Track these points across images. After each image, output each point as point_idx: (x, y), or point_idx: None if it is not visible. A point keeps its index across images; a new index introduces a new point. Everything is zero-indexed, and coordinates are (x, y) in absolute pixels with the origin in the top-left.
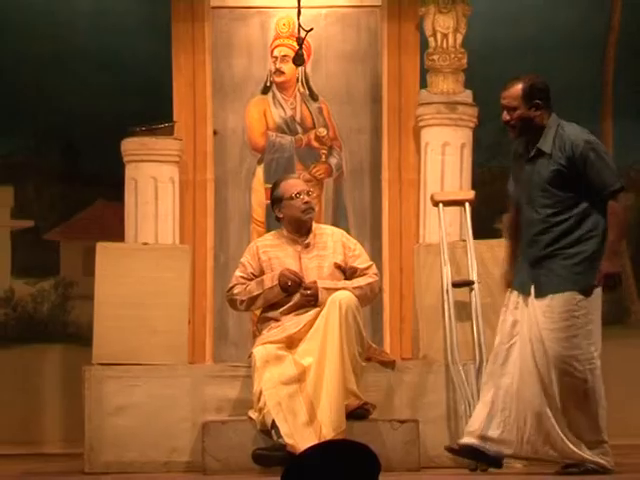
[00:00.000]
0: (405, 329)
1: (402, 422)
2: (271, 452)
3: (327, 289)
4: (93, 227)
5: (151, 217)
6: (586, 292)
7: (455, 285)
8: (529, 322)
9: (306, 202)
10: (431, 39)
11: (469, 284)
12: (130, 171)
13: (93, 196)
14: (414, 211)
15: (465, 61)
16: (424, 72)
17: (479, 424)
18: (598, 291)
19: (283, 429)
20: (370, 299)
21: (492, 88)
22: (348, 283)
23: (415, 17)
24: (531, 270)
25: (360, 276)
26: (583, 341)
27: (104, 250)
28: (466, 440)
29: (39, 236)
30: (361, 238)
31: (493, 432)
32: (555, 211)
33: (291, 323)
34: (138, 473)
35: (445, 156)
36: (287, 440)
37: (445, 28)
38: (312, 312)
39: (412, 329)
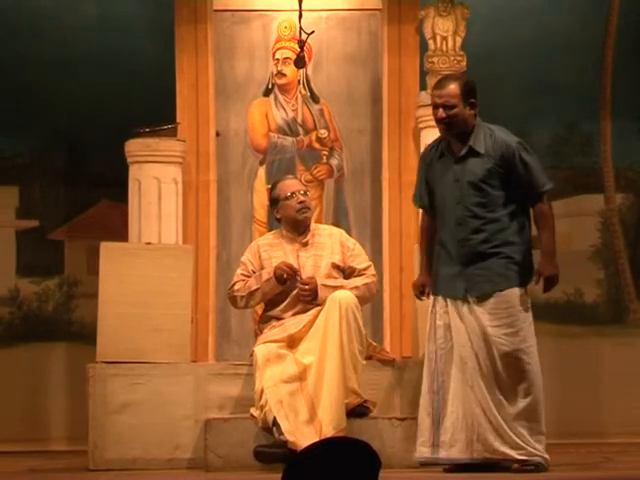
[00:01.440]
0: (405, 328)
1: (402, 420)
2: (272, 449)
3: (326, 286)
4: (97, 227)
5: (154, 217)
6: (523, 288)
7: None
8: (465, 323)
9: (301, 202)
10: (431, 42)
11: None
12: (134, 172)
13: (97, 196)
14: (414, 211)
15: (464, 64)
16: (424, 74)
17: (429, 433)
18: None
19: (284, 426)
20: (367, 299)
21: (491, 91)
22: (345, 282)
23: (415, 20)
24: (463, 270)
25: (358, 276)
26: (528, 334)
27: (108, 250)
28: (420, 453)
29: (44, 236)
30: (362, 238)
31: (444, 436)
32: (488, 209)
33: (292, 323)
34: (141, 470)
35: None
36: (288, 437)
37: (444, 31)
38: (312, 311)
39: (412, 328)
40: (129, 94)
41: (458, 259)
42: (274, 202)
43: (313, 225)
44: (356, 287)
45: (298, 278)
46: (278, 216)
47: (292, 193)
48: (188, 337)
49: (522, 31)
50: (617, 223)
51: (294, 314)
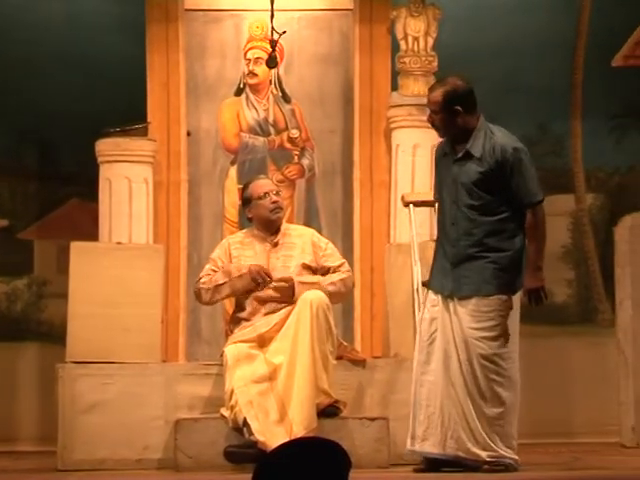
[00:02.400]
0: (376, 327)
1: (372, 420)
2: (242, 449)
3: (303, 283)
4: (67, 226)
5: (125, 217)
6: (509, 294)
7: (425, 284)
8: (450, 321)
9: (274, 202)
10: (402, 42)
11: None
12: (104, 171)
13: (67, 196)
14: (385, 211)
15: (436, 64)
16: (395, 74)
17: (410, 425)
18: (518, 294)
19: (254, 427)
20: (344, 295)
21: None
22: (322, 279)
23: (386, 20)
24: (453, 270)
25: (334, 273)
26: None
27: (78, 249)
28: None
29: (13, 235)
30: (333, 238)
31: (419, 429)
32: (480, 213)
33: (262, 322)
34: (111, 470)
35: (416, 157)
36: (258, 437)
37: (416, 31)
38: (283, 311)
39: (383, 327)
40: (99, 93)
41: (449, 258)
42: (246, 201)
43: (284, 225)
44: (332, 283)
45: (272, 285)
46: (250, 215)
47: (265, 193)
48: (158, 337)
49: (493, 32)
50: (587, 223)
51: (264, 314)
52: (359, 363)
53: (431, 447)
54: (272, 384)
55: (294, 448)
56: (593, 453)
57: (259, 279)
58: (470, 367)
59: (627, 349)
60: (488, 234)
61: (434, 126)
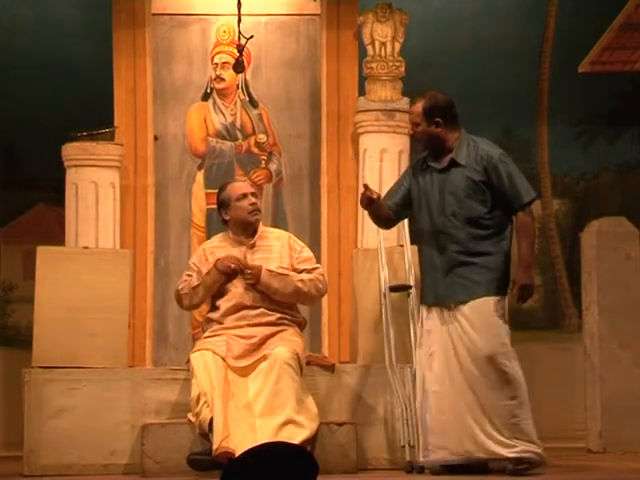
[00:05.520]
0: (343, 332)
1: (340, 425)
2: (206, 456)
3: (271, 272)
4: (33, 231)
5: (92, 221)
6: (501, 295)
7: (392, 289)
8: (448, 329)
9: (253, 203)
10: (369, 47)
11: (406, 288)
12: (71, 175)
13: (33, 200)
14: (352, 216)
15: (403, 69)
16: (362, 80)
17: (421, 437)
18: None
19: (220, 433)
20: (313, 297)
21: None
22: (292, 273)
23: (354, 25)
24: (445, 278)
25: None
26: (505, 338)
27: (45, 254)
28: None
29: None
30: None
31: (433, 439)
32: (467, 219)
33: (233, 342)
34: (77, 475)
35: (383, 162)
36: (224, 444)
37: (383, 36)
38: (254, 339)
39: (350, 332)
40: (66, 98)
41: (439, 267)
42: (223, 204)
43: (261, 228)
44: (302, 280)
45: (246, 271)
46: (227, 218)
47: (244, 194)
48: (125, 342)
49: (460, 37)
50: (554, 229)
51: (237, 319)
52: (328, 368)
53: (449, 455)
54: (237, 394)
55: (260, 454)
56: (559, 458)
57: (227, 269)
58: (476, 370)
59: (593, 354)
60: (477, 239)
61: (416, 139)
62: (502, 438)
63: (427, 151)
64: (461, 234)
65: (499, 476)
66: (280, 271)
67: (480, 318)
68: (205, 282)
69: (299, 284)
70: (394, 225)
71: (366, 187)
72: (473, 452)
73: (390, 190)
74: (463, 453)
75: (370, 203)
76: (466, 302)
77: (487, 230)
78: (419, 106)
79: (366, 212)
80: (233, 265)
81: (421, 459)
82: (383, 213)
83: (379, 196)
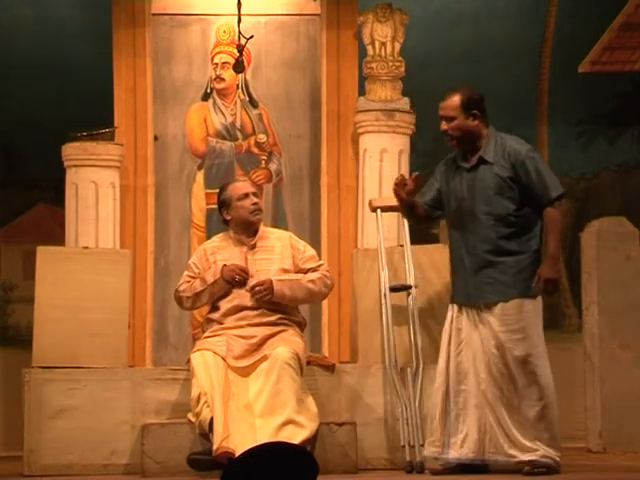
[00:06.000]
0: (343, 332)
1: (340, 425)
2: (206, 456)
3: (281, 281)
4: (34, 231)
5: (92, 221)
6: (532, 295)
7: (393, 289)
8: (477, 329)
9: (254, 203)
10: (369, 47)
11: (406, 288)
12: (71, 176)
13: (34, 200)
14: (352, 216)
15: (403, 69)
16: (362, 80)
17: (439, 433)
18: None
19: (220, 433)
20: (324, 293)
21: (429, 96)
22: (301, 276)
23: (354, 25)
24: (473, 278)
25: (312, 272)
26: (537, 339)
27: (45, 254)
28: (429, 452)
29: None
30: None
31: (455, 437)
32: (496, 218)
33: (233, 343)
34: (77, 475)
35: (383, 162)
36: (224, 444)
37: (383, 36)
38: (255, 339)
39: (350, 332)
40: (66, 98)
41: (469, 266)
42: (225, 203)
43: (262, 228)
44: (312, 280)
45: (249, 280)
46: (228, 217)
47: (245, 194)
48: (125, 342)
49: (460, 37)
50: None
51: (237, 319)
52: (328, 368)
53: (470, 453)
54: (237, 394)
55: (260, 454)
56: (562, 458)
57: (235, 278)
58: (506, 371)
59: (594, 354)
60: (506, 238)
61: (449, 135)
62: (524, 441)
63: (458, 149)
64: (490, 233)
65: (499, 476)
66: (287, 277)
67: (512, 319)
68: (211, 290)
69: (310, 285)
70: (430, 222)
71: (401, 179)
72: (492, 454)
73: (423, 189)
74: (481, 454)
75: (401, 199)
76: (497, 303)
77: (515, 227)
78: (456, 99)
79: (369, 212)
80: (237, 277)
81: (440, 456)
82: (417, 211)
83: (410, 191)
